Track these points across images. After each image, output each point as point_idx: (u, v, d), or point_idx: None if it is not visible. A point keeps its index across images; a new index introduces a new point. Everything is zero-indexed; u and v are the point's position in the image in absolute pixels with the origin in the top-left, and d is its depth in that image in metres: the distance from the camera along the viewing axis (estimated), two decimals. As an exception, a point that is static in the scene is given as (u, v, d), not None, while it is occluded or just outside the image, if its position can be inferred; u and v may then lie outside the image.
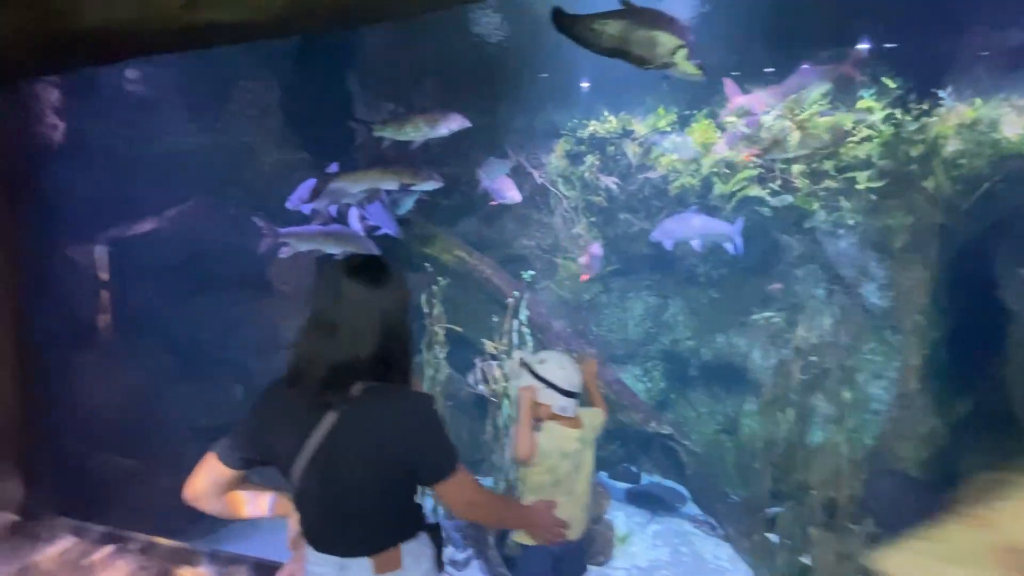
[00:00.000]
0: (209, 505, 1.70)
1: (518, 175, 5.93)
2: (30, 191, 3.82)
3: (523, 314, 4.61)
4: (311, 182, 4.19)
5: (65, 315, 4.14)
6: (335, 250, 4.12)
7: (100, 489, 4.24)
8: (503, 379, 4.52)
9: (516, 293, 4.64)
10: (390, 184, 3.91)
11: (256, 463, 1.66)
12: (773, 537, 4.08)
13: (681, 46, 2.49)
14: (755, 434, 5.36)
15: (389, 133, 3.79)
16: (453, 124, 3.76)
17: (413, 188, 3.91)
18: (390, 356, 1.59)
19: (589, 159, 6.25)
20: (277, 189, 4.57)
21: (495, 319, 4.68)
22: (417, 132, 3.76)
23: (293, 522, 1.74)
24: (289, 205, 4.40)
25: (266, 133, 4.85)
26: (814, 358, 3.52)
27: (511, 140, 6.21)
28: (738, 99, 4.61)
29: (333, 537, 1.61)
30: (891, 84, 4.70)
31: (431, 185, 4.05)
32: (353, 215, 4.66)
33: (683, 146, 5.20)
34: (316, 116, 4.99)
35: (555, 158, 6.37)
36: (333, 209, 4.53)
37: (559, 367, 2.40)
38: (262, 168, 4.85)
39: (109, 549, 3.42)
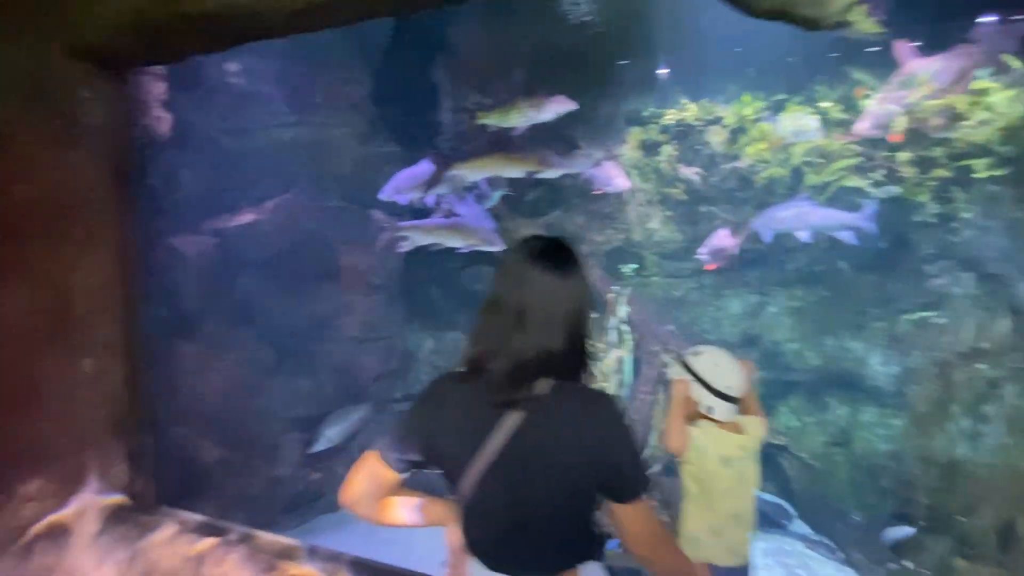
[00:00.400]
0: (365, 510, 1.52)
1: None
2: (139, 182, 3.89)
3: (623, 310, 4.32)
4: (406, 172, 4.07)
5: (169, 305, 4.20)
6: (458, 244, 3.97)
7: (199, 477, 4.28)
8: (602, 378, 4.25)
9: (616, 289, 4.36)
10: (515, 172, 3.72)
11: (420, 466, 1.47)
12: (908, 564, 3.62)
13: (857, 1, 2.16)
14: (872, 448, 4.86)
15: (494, 120, 3.61)
16: (559, 107, 3.54)
17: (538, 176, 3.69)
18: (576, 350, 1.37)
19: (666, 149, 5.86)
20: (371, 181, 4.49)
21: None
22: (522, 117, 3.56)
23: (453, 533, 1.54)
24: (382, 196, 4.30)
25: (358, 125, 4.80)
26: (981, 365, 3.05)
27: (582, 131, 5.90)
28: (913, 65, 3.99)
29: (508, 553, 1.41)
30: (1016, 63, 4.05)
31: (558, 172, 3.82)
32: (452, 205, 4.51)
33: (803, 127, 4.71)
34: (406, 107, 4.90)
35: (629, 149, 6.01)
36: (431, 199, 4.38)
37: (712, 364, 2.15)
38: (355, 160, 4.80)
39: (212, 540, 3.40)
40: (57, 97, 3.37)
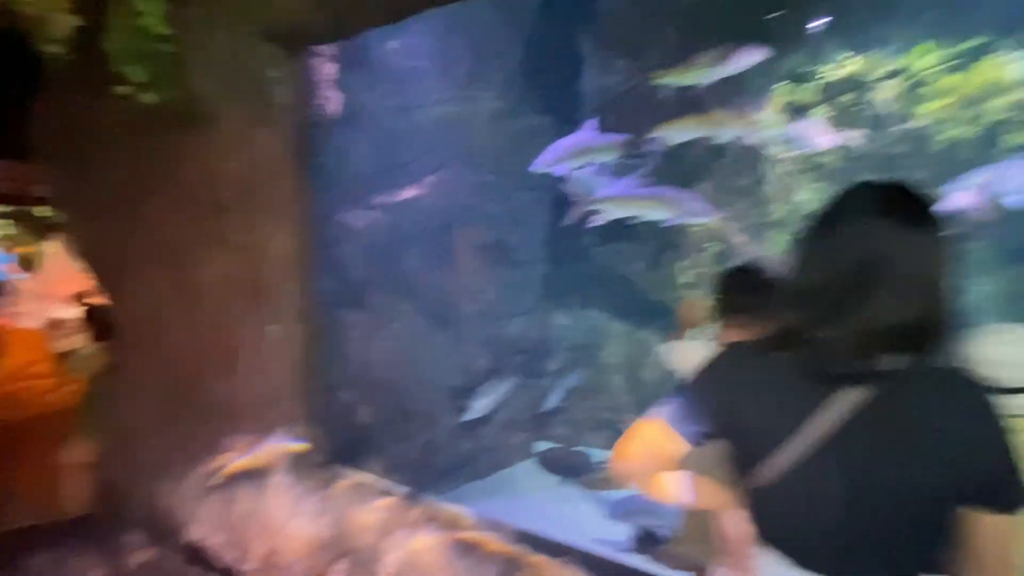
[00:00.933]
0: (640, 480, 1.41)
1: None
2: (313, 160, 4.12)
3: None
4: (564, 142, 3.93)
5: (338, 277, 4.44)
6: (661, 215, 3.70)
7: (363, 440, 4.52)
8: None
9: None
10: (724, 133, 3.45)
11: (714, 440, 1.33)
12: None
13: None
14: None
15: (672, 80, 3.36)
16: (748, 57, 3.20)
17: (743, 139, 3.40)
18: (934, 319, 1.14)
19: (819, 111, 5.15)
20: (522, 154, 4.42)
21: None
22: (703, 74, 3.27)
23: (736, 521, 1.40)
24: (535, 168, 4.21)
25: (509, 98, 4.76)
26: None
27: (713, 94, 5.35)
28: None
29: (828, 553, 1.22)
30: None
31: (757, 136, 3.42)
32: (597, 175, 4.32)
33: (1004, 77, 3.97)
34: (557, 76, 4.78)
35: (770, 113, 5.35)
36: (563, 169, 4.17)
37: (997, 343, 1.79)
38: (506, 133, 4.79)
39: (388, 499, 3.56)
40: (253, 79, 3.63)
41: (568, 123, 4.49)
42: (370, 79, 4.44)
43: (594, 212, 3.70)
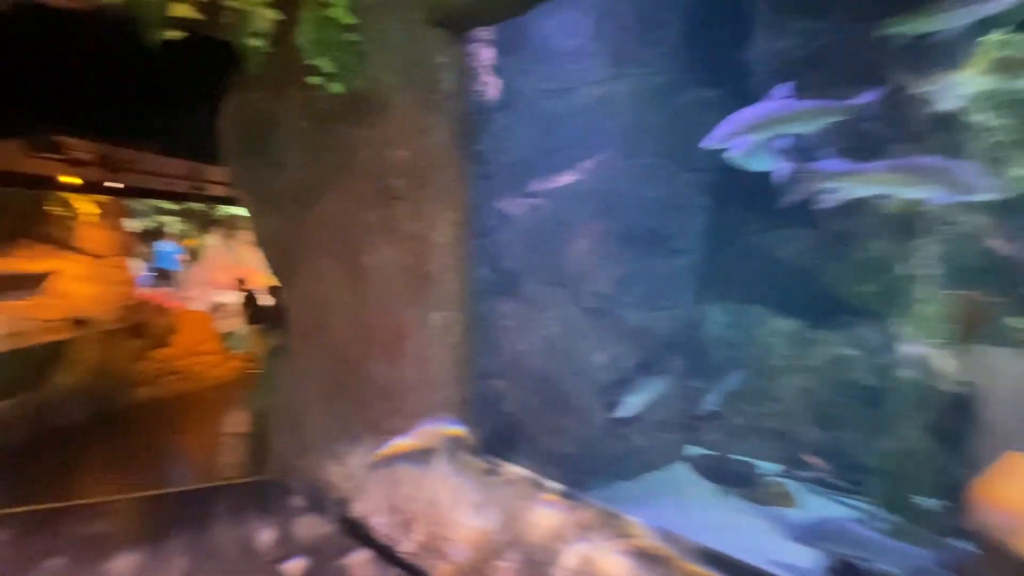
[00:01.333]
0: (1007, 520, 1.08)
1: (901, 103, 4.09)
2: (472, 147, 4.08)
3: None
4: (740, 114, 3.47)
5: (492, 265, 4.39)
6: (924, 193, 3.03)
7: (513, 430, 4.45)
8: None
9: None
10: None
11: None
12: None
13: None
14: None
15: (911, 28, 2.80)
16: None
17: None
18: None
19: None
20: (686, 132, 4.04)
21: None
22: (951, 16, 2.68)
23: None
24: (708, 143, 3.78)
25: (672, 72, 4.38)
26: None
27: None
28: None
29: None
30: None
31: None
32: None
33: None
34: (724, 46, 4.32)
35: (970, 75, 4.29)
36: (742, 143, 3.65)
37: None
38: (669, 111, 4.43)
39: (552, 496, 3.42)
40: (424, 65, 3.64)
41: (738, 95, 4.04)
42: (527, 62, 4.33)
43: (826, 191, 3.12)
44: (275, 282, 8.30)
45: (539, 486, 3.68)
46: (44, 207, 9.26)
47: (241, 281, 8.49)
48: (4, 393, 7.14)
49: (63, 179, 6.69)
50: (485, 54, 4.27)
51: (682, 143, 4.07)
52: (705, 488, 4.60)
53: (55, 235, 9.31)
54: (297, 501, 4.10)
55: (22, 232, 9.08)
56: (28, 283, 8.76)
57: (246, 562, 3.30)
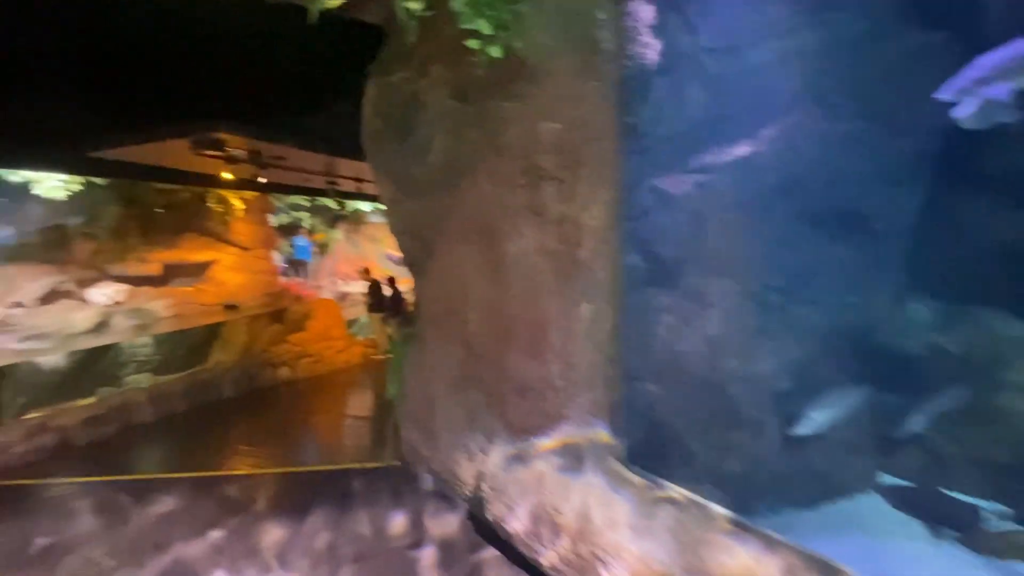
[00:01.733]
0: None
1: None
2: (627, 118, 3.59)
3: None
4: (980, 62, 2.66)
5: (646, 252, 3.87)
6: None
7: (667, 440, 3.91)
8: None
9: None
10: None
11: None
12: None
13: None
14: None
15: None
16: None
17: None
18: None
19: None
20: (903, 86, 3.23)
21: None
22: None
23: None
24: (943, 95, 3.01)
25: (879, 14, 3.54)
26: None
27: None
28: None
29: None
30: None
31: None
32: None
33: None
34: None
35: None
36: (999, 91, 2.85)
37: None
38: (878, 62, 3.57)
39: (728, 526, 2.86)
40: (581, 23, 3.22)
41: (973, 37, 3.18)
42: (693, 19, 3.73)
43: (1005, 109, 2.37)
44: (393, 274, 8.65)
45: (708, 511, 3.11)
46: (206, 203, 10.33)
47: (365, 271, 9.00)
48: (173, 368, 8.15)
49: (223, 176, 7.19)
50: (644, 12, 3.74)
51: (898, 101, 3.27)
52: (910, 527, 3.73)
53: (214, 228, 10.37)
54: (426, 490, 4.11)
55: (189, 226, 10.22)
56: (193, 271, 9.87)
57: (381, 544, 3.43)
